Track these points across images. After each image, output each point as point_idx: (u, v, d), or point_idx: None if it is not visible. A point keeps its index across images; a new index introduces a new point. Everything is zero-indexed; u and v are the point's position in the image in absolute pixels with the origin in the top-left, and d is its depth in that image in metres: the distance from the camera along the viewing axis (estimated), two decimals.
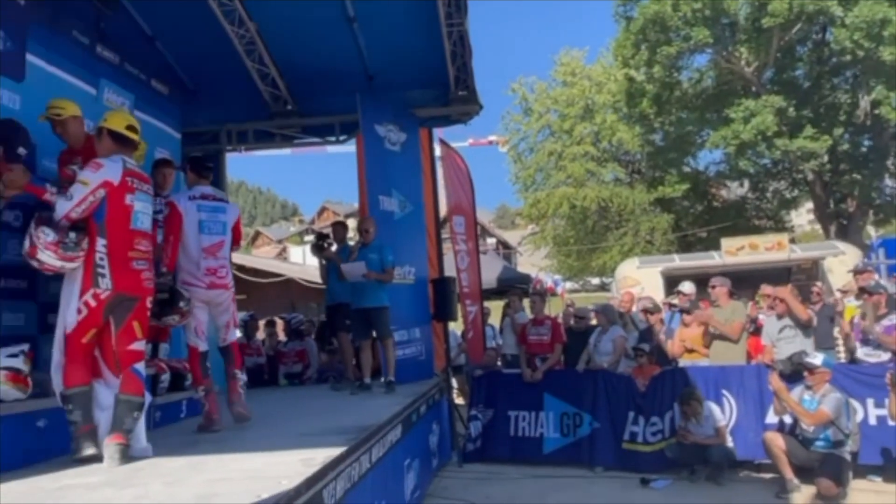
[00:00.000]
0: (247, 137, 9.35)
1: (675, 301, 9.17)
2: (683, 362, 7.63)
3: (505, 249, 46.47)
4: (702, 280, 9.67)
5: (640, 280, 15.15)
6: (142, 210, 3.83)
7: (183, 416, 5.32)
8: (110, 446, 3.47)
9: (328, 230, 8.52)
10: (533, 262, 35.18)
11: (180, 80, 8.28)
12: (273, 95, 8.82)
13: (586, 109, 28.85)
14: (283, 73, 8.55)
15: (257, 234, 47.09)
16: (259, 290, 15.82)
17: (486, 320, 10.41)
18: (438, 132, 9.62)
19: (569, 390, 7.72)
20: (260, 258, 24.03)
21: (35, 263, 3.60)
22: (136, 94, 6.65)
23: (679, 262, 16.32)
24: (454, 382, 9.42)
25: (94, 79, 6.03)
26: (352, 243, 7.60)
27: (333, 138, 9.36)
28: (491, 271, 13.64)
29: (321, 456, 3.27)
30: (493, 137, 34.27)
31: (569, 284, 31.68)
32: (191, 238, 4.74)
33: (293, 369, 8.84)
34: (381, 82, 8.64)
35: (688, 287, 8.80)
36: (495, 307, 12.94)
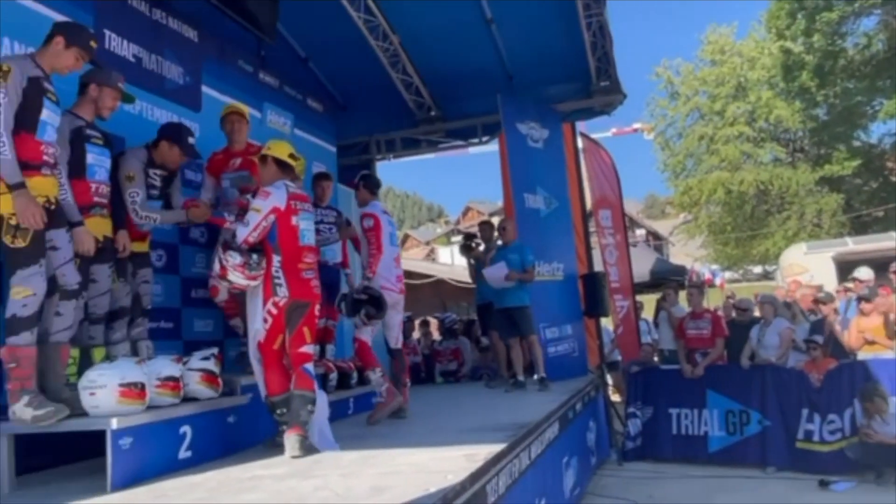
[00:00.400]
0: (395, 145, 9.75)
1: (851, 288, 8.43)
2: (863, 355, 7.02)
3: (655, 240, 44.74)
4: (880, 264, 8.81)
5: (808, 267, 14.01)
6: (306, 227, 4.21)
7: (350, 412, 5.64)
8: (291, 437, 3.80)
9: (474, 230, 8.70)
10: (687, 253, 33.62)
11: (332, 96, 8.79)
12: (417, 103, 9.13)
13: (738, 88, 27.15)
14: (425, 81, 8.83)
15: (406, 237, 48.69)
16: (411, 292, 16.33)
17: (640, 315, 10.12)
18: (580, 125, 9.48)
19: (734, 386, 7.33)
20: (410, 260, 24.85)
21: (225, 283, 4.10)
22: (294, 113, 7.16)
23: (853, 245, 14.92)
24: (609, 379, 9.24)
25: (258, 103, 6.57)
26: (500, 242, 7.70)
27: (476, 140, 9.53)
28: (642, 264, 13.24)
29: (483, 452, 3.36)
30: (637, 125, 33.10)
31: (728, 274, 29.92)
32: (386, 248, 5.29)
33: (448, 367, 9.09)
34: (521, 81, 8.68)
35: (865, 273, 8.08)
36: (648, 301, 12.53)
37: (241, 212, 4.25)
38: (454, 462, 3.19)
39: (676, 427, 7.59)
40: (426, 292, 17.05)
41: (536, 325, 7.20)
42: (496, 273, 6.91)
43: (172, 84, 5.50)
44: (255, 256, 3.95)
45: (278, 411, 4.05)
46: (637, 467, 7.34)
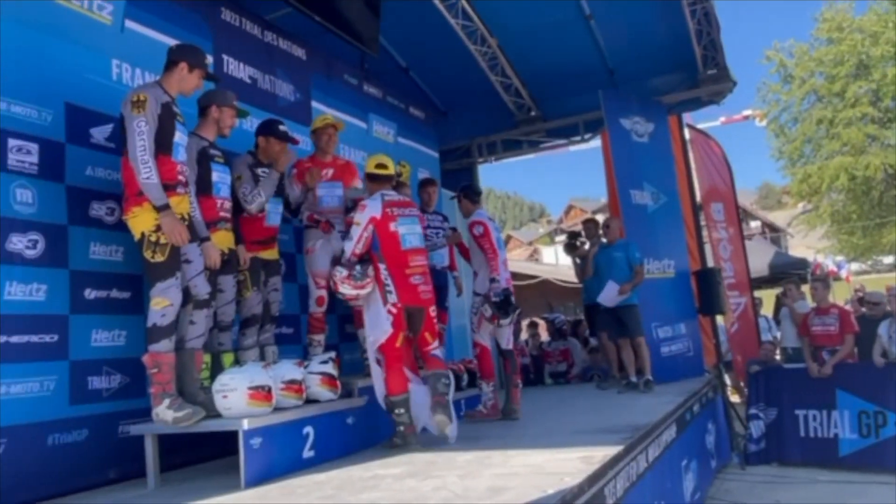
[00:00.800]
0: (496, 147, 9.78)
1: None
2: None
3: (772, 232, 42.35)
4: None
5: None
6: (408, 232, 4.43)
7: (461, 413, 5.71)
8: (435, 403, 4.16)
9: (578, 228, 8.58)
10: (807, 244, 31.63)
11: (433, 103, 8.94)
12: (517, 104, 9.13)
13: (860, 66, 25.23)
14: (524, 82, 8.81)
15: (508, 238, 48.63)
16: (516, 293, 16.33)
17: (759, 311, 9.63)
18: (686, 116, 9.14)
19: (867, 386, 6.83)
20: (514, 261, 24.80)
21: (340, 295, 4.41)
22: (398, 122, 7.35)
23: None
24: (727, 379, 8.85)
25: (363, 114, 6.80)
26: (604, 241, 7.56)
27: (578, 138, 9.40)
28: (759, 258, 12.62)
29: (599, 454, 3.32)
30: (748, 112, 31.43)
31: (854, 266, 27.92)
32: (500, 252, 5.45)
33: (558, 368, 9.00)
34: (623, 75, 8.51)
35: None
36: (767, 297, 11.92)
37: (349, 227, 4.51)
38: (570, 464, 3.18)
39: (804, 429, 7.16)
40: (531, 293, 16.94)
41: (648, 325, 7.02)
42: (610, 293, 6.81)
43: (284, 101, 5.79)
44: (358, 268, 4.22)
45: (397, 411, 4.24)
46: (761, 471, 7.00)
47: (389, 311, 4.23)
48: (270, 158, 4.52)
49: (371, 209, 4.34)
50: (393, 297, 4.24)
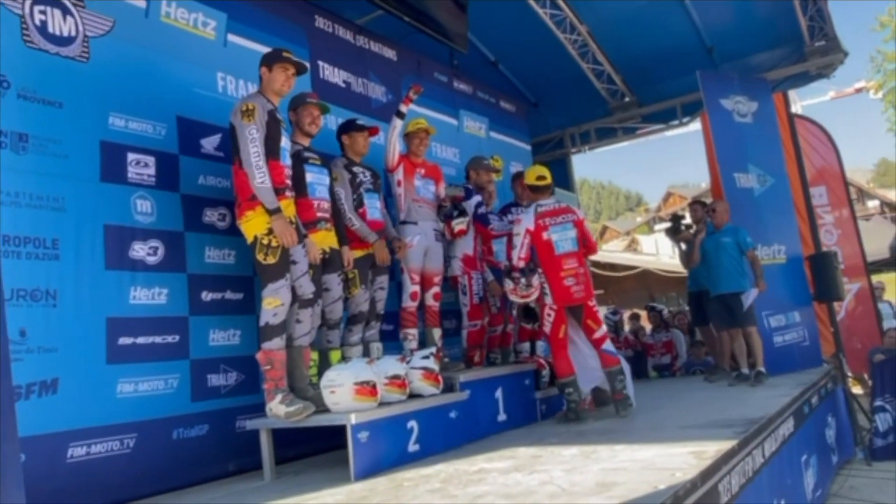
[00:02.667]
0: (589, 137, 9.61)
1: None
2: None
3: (893, 212, 39.37)
4: None
5: None
6: (560, 238, 4.93)
7: (565, 407, 5.63)
8: (617, 402, 4.84)
9: (682, 212, 8.27)
10: None
11: (523, 95, 8.88)
12: (610, 91, 8.92)
13: None
14: (617, 68, 8.61)
15: (605, 229, 47.58)
16: (616, 284, 16.00)
17: (881, 297, 8.99)
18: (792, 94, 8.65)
19: None
20: (611, 252, 24.27)
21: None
22: (489, 117, 7.34)
23: None
24: (847, 370, 8.31)
25: (454, 111, 6.83)
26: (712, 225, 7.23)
27: (676, 121, 9.09)
28: (879, 239, 11.79)
29: (712, 449, 3.20)
30: (860, 84, 29.39)
31: None
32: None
33: (661, 361, 8.74)
34: (723, 53, 8.16)
35: None
36: (889, 281, 11.10)
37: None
38: (681, 459, 3.08)
39: None
40: (631, 284, 16.56)
41: (759, 314, 6.67)
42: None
43: (377, 103, 5.90)
44: (523, 280, 4.81)
45: (567, 391, 4.90)
46: (889, 467, 6.51)
47: (551, 309, 4.88)
48: (358, 153, 4.69)
49: (526, 222, 4.94)
50: (549, 300, 4.87)
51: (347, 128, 4.74)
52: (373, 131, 4.79)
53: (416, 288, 4.93)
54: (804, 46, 7.88)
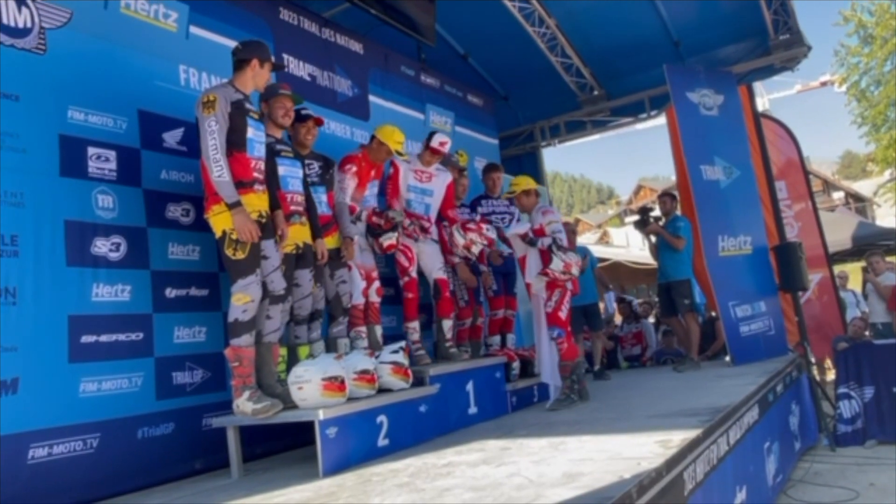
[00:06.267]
0: (559, 130, 9.64)
1: None
2: None
3: (857, 203, 40.25)
4: None
5: None
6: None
7: (535, 400, 5.67)
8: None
9: (651, 205, 8.37)
10: None
11: (493, 89, 8.87)
12: (579, 85, 8.96)
13: None
14: (586, 61, 8.64)
15: (577, 222, 47.99)
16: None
17: (844, 286, 9.18)
18: (758, 87, 8.79)
19: None
20: (583, 245, 24.42)
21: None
22: (455, 111, 7.32)
23: None
24: (812, 358, 8.47)
25: (420, 105, 6.80)
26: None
27: (644, 115, 9.16)
28: (842, 230, 12.00)
29: (677, 438, 3.24)
30: (825, 78, 29.92)
31: None
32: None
33: (632, 352, 8.84)
34: (689, 46, 8.23)
35: None
36: (853, 270, 11.35)
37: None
38: (647, 448, 3.11)
39: None
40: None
41: (725, 304, 6.79)
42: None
43: (343, 97, 5.85)
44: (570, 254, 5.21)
45: (578, 373, 5.20)
46: (853, 452, 6.66)
47: (567, 297, 5.21)
48: (301, 144, 4.47)
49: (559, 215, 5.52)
50: (570, 285, 5.26)
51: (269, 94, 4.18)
52: (317, 121, 4.53)
53: (365, 284, 4.78)
54: (769, 40, 7.99)
